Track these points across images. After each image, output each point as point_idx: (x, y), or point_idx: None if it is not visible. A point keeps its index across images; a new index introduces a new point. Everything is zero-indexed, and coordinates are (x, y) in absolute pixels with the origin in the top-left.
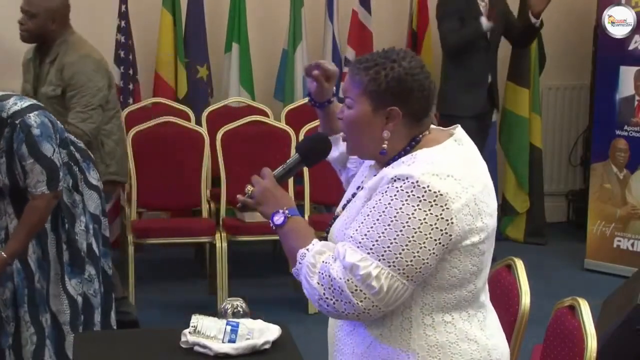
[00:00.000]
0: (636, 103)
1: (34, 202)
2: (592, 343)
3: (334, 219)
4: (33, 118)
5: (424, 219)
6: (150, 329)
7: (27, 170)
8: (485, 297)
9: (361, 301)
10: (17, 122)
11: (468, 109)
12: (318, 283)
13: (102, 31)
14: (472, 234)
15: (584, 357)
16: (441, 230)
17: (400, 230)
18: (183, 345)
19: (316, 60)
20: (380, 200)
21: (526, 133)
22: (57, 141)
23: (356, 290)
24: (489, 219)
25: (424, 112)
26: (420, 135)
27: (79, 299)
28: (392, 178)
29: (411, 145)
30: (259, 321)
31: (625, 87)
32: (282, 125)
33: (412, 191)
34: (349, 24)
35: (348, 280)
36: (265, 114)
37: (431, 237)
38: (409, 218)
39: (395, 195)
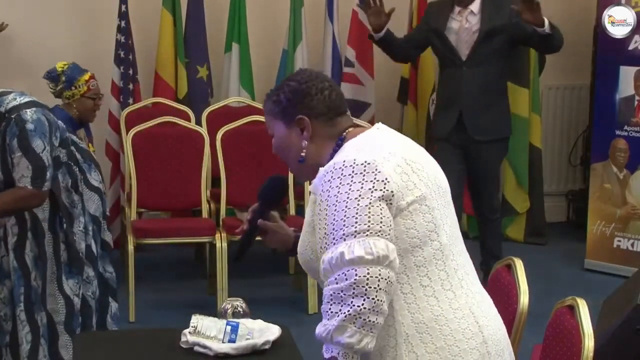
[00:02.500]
0: (636, 103)
1: (17, 188)
2: (589, 343)
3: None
4: (29, 114)
5: (362, 185)
6: (150, 329)
7: (15, 164)
8: (465, 262)
9: (356, 276)
10: (13, 116)
11: (437, 130)
12: (344, 320)
13: (102, 31)
14: (411, 190)
15: (581, 356)
16: (380, 189)
17: (345, 204)
18: (183, 345)
19: None
20: (322, 199)
21: (526, 133)
22: (56, 141)
23: (344, 274)
24: (430, 179)
25: (332, 111)
26: (344, 133)
27: (76, 300)
28: (323, 174)
29: (338, 143)
30: (259, 321)
31: (625, 87)
32: None
33: (342, 173)
34: (349, 24)
35: (336, 277)
36: None
37: (374, 196)
38: (348, 192)
39: (330, 185)
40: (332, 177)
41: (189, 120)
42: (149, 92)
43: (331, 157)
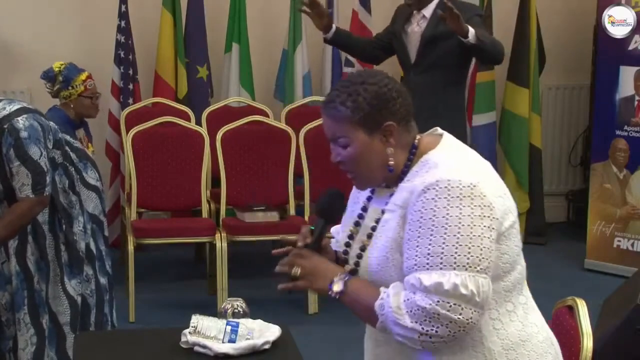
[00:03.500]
0: (636, 103)
1: (17, 204)
2: (587, 343)
3: (361, 249)
4: (21, 122)
5: (472, 213)
6: (150, 329)
7: (14, 173)
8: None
9: (460, 314)
10: (5, 126)
11: None
12: (412, 322)
13: (102, 31)
14: (507, 214)
15: (580, 356)
16: (489, 217)
17: (458, 232)
18: (183, 345)
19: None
20: (422, 216)
21: (526, 133)
22: (50, 144)
23: (451, 306)
24: (511, 197)
25: (408, 114)
26: (416, 141)
27: (79, 300)
28: (422, 190)
29: (412, 152)
30: (259, 321)
31: (625, 87)
32: (282, 125)
33: (449, 194)
34: (349, 24)
35: (438, 301)
36: (265, 114)
37: (485, 226)
38: (459, 218)
39: (435, 204)
40: (436, 195)
41: (189, 120)
42: (149, 92)
43: (406, 167)
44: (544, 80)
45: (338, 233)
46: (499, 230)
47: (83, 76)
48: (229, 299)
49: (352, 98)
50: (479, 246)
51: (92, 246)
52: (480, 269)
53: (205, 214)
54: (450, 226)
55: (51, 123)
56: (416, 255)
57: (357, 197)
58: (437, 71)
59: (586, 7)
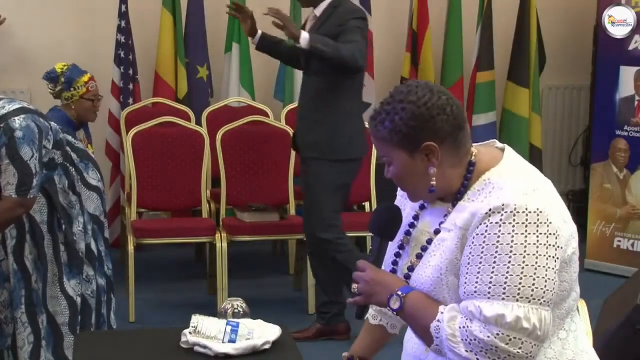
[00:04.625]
0: (636, 103)
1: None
2: None
3: (409, 269)
4: (18, 121)
5: (538, 241)
6: (150, 329)
7: (2, 171)
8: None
9: (520, 348)
10: (1, 125)
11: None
12: (467, 351)
13: (102, 31)
14: (570, 240)
15: None
16: (554, 245)
17: (523, 261)
18: (183, 345)
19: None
20: (485, 241)
21: (526, 133)
22: (48, 143)
23: (510, 340)
24: (572, 222)
25: (456, 129)
26: (472, 157)
27: (78, 300)
28: (486, 213)
29: (470, 170)
30: (259, 321)
31: (625, 87)
32: (282, 125)
33: (514, 219)
34: None
35: (498, 334)
36: (265, 114)
37: (550, 256)
38: (525, 247)
39: (500, 230)
40: (501, 220)
41: (189, 120)
42: (149, 92)
43: (464, 187)
44: (544, 80)
45: None
46: (563, 258)
47: (85, 78)
48: (229, 299)
49: (389, 118)
50: (543, 277)
51: (93, 247)
52: (544, 301)
53: (205, 214)
54: (514, 254)
55: (52, 123)
56: (476, 282)
57: (404, 199)
58: (321, 75)
59: (586, 7)
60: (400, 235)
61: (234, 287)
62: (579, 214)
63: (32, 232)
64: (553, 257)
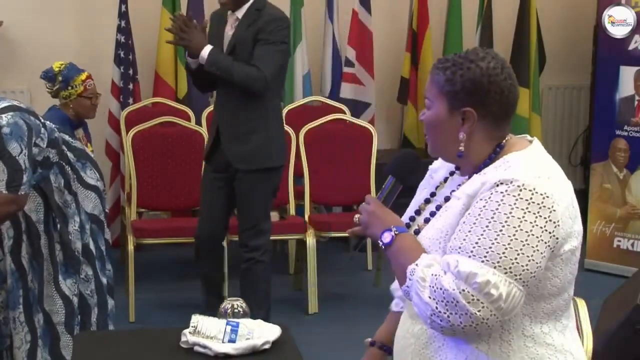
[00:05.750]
0: (636, 103)
1: None
2: (587, 343)
3: (415, 232)
4: (5, 118)
5: (535, 221)
6: (150, 329)
7: None
8: (573, 310)
9: (479, 311)
10: None
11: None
12: (430, 297)
13: (102, 31)
14: (571, 238)
15: None
16: (550, 232)
17: (514, 235)
18: (183, 345)
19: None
20: (485, 206)
21: (526, 133)
22: (42, 142)
23: (473, 299)
24: (580, 223)
25: (503, 115)
26: (504, 141)
27: (75, 299)
28: (495, 183)
29: (496, 151)
30: (259, 321)
31: (625, 87)
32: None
33: (519, 194)
34: (349, 24)
35: (463, 290)
36: None
37: (542, 240)
38: (520, 222)
39: (502, 199)
40: (506, 191)
41: (189, 120)
42: (149, 92)
43: (485, 164)
44: (544, 80)
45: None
46: (557, 251)
47: (83, 76)
48: (229, 299)
49: (453, 69)
50: (528, 256)
51: (92, 246)
52: (519, 278)
53: None
54: (508, 226)
55: (47, 122)
56: (464, 240)
57: (431, 178)
58: (234, 87)
59: (586, 7)
60: (420, 202)
61: (234, 287)
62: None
63: (29, 231)
64: (545, 242)
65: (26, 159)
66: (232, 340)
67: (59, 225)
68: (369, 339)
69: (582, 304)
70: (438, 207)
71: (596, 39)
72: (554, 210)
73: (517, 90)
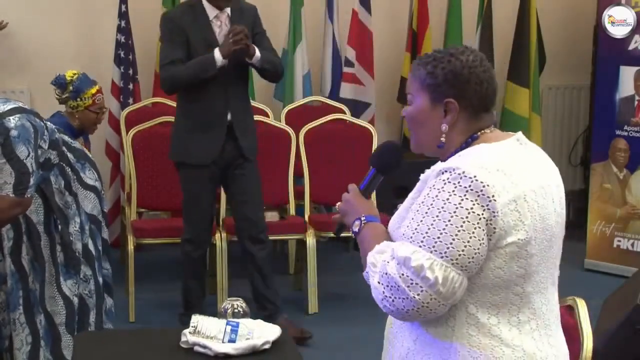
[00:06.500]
0: (636, 103)
1: None
2: (587, 343)
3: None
4: (13, 121)
5: (471, 208)
6: (150, 329)
7: None
8: (546, 311)
9: (418, 294)
10: None
11: (201, 156)
12: (379, 282)
13: (102, 31)
14: (516, 231)
15: (580, 356)
16: (487, 220)
17: (449, 220)
18: (183, 345)
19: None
20: (428, 193)
21: (526, 133)
22: (44, 143)
23: (412, 284)
24: (541, 221)
25: (482, 106)
26: (479, 132)
27: (75, 300)
28: (440, 170)
29: (468, 142)
30: (259, 321)
31: (625, 87)
32: (282, 125)
33: (458, 182)
34: (349, 24)
35: (402, 274)
36: (265, 114)
37: (479, 227)
38: (456, 208)
39: (442, 187)
40: (447, 179)
41: None
42: (149, 92)
43: (452, 153)
44: (544, 80)
45: None
46: (497, 242)
47: (94, 90)
48: (229, 299)
49: (433, 63)
50: (464, 242)
51: (91, 246)
52: (456, 262)
53: None
54: (444, 212)
55: (48, 123)
56: (407, 226)
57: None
58: (247, 82)
59: (586, 7)
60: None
61: (234, 287)
62: (579, 214)
63: (29, 232)
64: (483, 230)
65: (33, 162)
66: (232, 340)
67: (59, 227)
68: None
69: (582, 304)
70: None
71: (596, 39)
72: (494, 200)
73: (495, 83)
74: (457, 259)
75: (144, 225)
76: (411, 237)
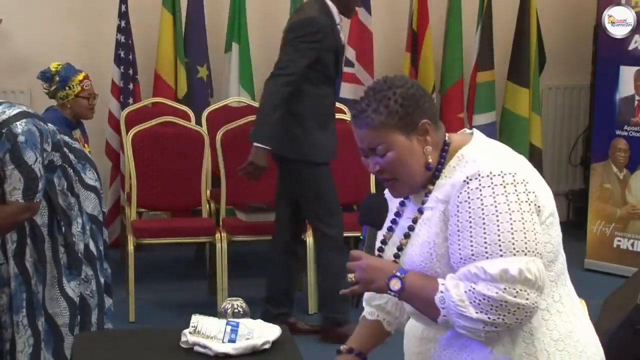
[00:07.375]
0: (636, 103)
1: (3, 206)
2: None
3: (397, 249)
4: (20, 126)
5: (518, 199)
6: (150, 329)
7: (6, 176)
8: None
9: (527, 299)
10: (3, 130)
11: (328, 154)
12: (477, 312)
13: (102, 31)
14: (548, 202)
15: None
16: (532, 202)
17: (510, 218)
18: (183, 345)
19: None
20: (470, 206)
21: (526, 133)
22: (48, 147)
23: (517, 292)
24: (547, 188)
25: (436, 115)
26: (446, 138)
27: (78, 301)
28: (464, 181)
29: (445, 150)
30: (259, 321)
31: (625, 87)
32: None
33: (492, 182)
34: (349, 24)
35: (505, 288)
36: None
37: (532, 211)
38: (508, 205)
39: (481, 193)
40: (480, 185)
41: (189, 120)
42: (149, 92)
43: (440, 164)
44: (544, 80)
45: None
46: (541, 218)
47: (80, 76)
48: (229, 299)
49: (383, 103)
50: (532, 230)
51: (92, 247)
52: (538, 252)
53: (205, 214)
54: (500, 213)
55: (50, 125)
56: (472, 246)
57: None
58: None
59: (586, 7)
60: (382, 232)
61: (234, 287)
62: (579, 214)
63: (33, 235)
64: (532, 212)
65: (40, 167)
66: (232, 340)
67: (63, 228)
68: (344, 346)
69: (582, 304)
70: (414, 221)
71: (596, 39)
72: (528, 182)
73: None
74: (536, 249)
75: (144, 225)
76: (486, 252)
